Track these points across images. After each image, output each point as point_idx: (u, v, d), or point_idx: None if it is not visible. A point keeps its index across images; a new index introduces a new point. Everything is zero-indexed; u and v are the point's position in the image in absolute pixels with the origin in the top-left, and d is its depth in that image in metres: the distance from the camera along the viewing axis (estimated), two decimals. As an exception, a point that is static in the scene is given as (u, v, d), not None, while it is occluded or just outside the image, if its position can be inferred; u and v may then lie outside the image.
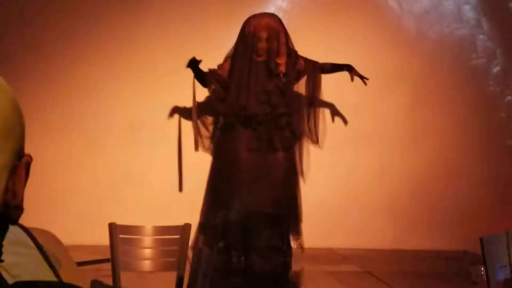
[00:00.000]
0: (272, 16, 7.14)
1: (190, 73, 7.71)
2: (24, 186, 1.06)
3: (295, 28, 7.67)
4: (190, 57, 7.16)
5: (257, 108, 6.87)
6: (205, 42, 7.81)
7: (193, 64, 6.89)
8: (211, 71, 7.03)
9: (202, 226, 7.09)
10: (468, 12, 8.48)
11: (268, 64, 6.95)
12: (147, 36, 7.88)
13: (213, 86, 7.11)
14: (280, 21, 7.06)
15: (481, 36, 8.49)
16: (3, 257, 1.01)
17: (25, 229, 1.12)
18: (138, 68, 7.87)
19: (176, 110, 7.73)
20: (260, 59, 6.97)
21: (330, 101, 7.52)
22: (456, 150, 8.36)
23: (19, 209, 1.04)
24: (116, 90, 7.84)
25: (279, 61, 6.95)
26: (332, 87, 7.33)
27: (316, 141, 7.13)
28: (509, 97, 8.49)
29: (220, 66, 7.08)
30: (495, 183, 8.32)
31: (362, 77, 7.10)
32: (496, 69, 8.49)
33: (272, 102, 6.91)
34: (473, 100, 8.44)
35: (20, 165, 1.05)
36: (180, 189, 7.79)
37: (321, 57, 7.48)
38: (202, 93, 7.39)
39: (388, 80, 8.26)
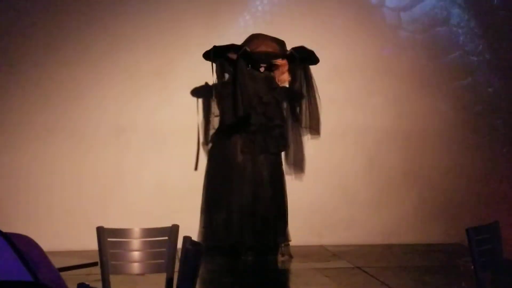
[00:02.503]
0: (274, 42, 7.22)
1: (173, 73, 7.78)
2: None
3: (278, 28, 7.69)
4: (173, 56, 7.46)
5: (254, 119, 7.13)
6: (187, 41, 7.82)
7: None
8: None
9: (204, 230, 7.36)
10: (453, 6, 8.50)
11: (267, 79, 7.21)
12: (130, 37, 7.87)
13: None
14: (281, 44, 7.22)
15: (466, 30, 8.51)
16: None
17: (2, 234, 1.12)
18: (122, 69, 7.86)
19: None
20: (260, 73, 7.24)
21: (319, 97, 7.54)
22: (444, 144, 8.39)
23: None
24: (100, 92, 7.83)
25: (277, 76, 7.24)
26: (320, 83, 7.36)
27: (317, 131, 7.29)
28: (491, 90, 8.53)
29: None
30: (484, 177, 8.35)
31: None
32: (483, 64, 8.52)
33: (268, 114, 7.17)
34: (460, 94, 8.46)
35: None
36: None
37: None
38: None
39: (374, 76, 8.29)
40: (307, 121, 7.28)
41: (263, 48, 7.20)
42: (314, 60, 7.27)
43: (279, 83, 7.27)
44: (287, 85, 7.31)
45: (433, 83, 8.42)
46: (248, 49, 7.12)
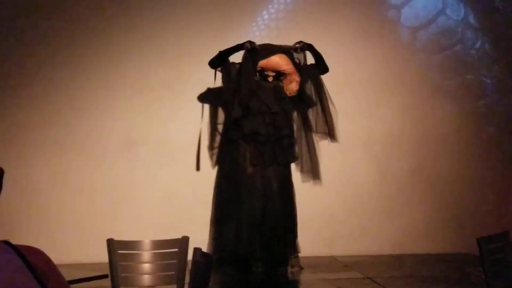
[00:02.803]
0: (281, 53, 7.21)
1: (183, 86, 7.78)
2: None
3: (289, 37, 7.70)
4: (183, 69, 7.33)
5: (262, 129, 7.05)
6: (197, 54, 7.84)
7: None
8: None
9: (213, 242, 7.30)
10: (457, 16, 8.51)
11: (275, 88, 7.17)
12: (140, 50, 7.90)
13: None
14: (289, 54, 7.18)
15: (475, 42, 8.51)
16: None
17: (12, 246, 1.13)
18: (132, 83, 7.89)
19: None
20: (267, 83, 7.20)
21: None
22: (455, 154, 8.37)
23: None
24: (110, 106, 7.86)
25: (286, 85, 7.19)
26: (330, 95, 7.36)
27: (333, 137, 7.25)
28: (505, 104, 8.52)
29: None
30: (495, 186, 8.33)
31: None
32: (491, 75, 8.52)
33: (277, 124, 7.12)
34: (467, 103, 8.46)
35: None
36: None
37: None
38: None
39: (383, 86, 8.29)
40: (324, 128, 7.25)
41: (268, 59, 7.20)
42: (323, 66, 7.21)
43: (287, 92, 7.25)
44: (296, 95, 7.27)
45: (442, 92, 8.41)
46: (249, 45, 7.08)
